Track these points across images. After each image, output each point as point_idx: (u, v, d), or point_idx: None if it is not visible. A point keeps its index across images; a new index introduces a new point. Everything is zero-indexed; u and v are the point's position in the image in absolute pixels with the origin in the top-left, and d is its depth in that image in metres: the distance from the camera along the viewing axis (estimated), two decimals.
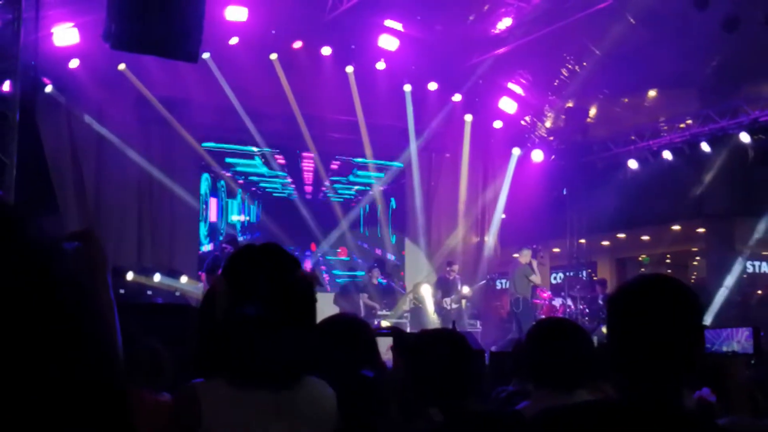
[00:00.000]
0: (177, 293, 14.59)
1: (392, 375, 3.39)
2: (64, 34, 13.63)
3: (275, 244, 2.47)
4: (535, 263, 15.71)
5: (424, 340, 3.23)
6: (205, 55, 14.25)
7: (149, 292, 14.42)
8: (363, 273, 16.71)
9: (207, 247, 16.30)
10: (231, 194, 16.96)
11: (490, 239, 18.14)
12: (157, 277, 14.56)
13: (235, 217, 16.98)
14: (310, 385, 2.37)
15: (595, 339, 14.29)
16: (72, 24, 13.61)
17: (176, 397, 2.37)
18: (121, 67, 14.31)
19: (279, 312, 2.27)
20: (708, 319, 14.47)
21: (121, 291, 13.72)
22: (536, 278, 15.70)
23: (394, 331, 3.64)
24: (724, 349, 4.47)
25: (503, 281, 19.87)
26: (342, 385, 2.47)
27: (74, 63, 14.05)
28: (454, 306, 16.04)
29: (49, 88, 13.88)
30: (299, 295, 2.34)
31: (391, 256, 18.05)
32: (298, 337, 2.30)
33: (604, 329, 14.71)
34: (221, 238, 14.03)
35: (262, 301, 2.27)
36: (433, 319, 15.86)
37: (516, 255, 15.96)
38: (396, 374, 3.43)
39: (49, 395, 0.94)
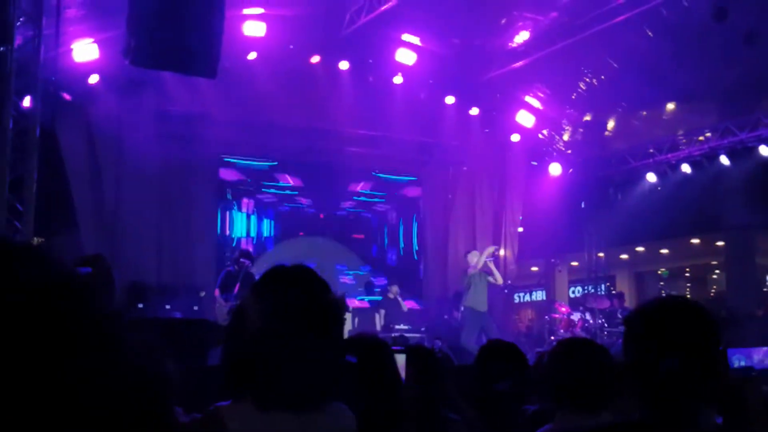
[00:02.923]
0: (196, 308, 14.61)
1: (407, 390, 3.38)
2: (84, 50, 13.72)
3: (305, 266, 2.47)
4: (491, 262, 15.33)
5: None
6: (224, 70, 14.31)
7: (168, 307, 14.45)
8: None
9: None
10: (242, 208, 17.00)
11: (508, 252, 18.10)
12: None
13: (243, 235, 16.99)
14: (334, 407, 2.37)
15: (613, 353, 14.26)
16: (92, 40, 13.71)
17: (202, 420, 2.37)
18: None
19: (308, 335, 2.27)
20: (728, 335, 14.36)
21: (140, 306, 13.77)
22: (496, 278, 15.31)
23: (408, 348, 3.64)
24: (736, 365, 4.42)
25: (521, 294, 19.84)
26: (360, 406, 2.47)
27: (94, 78, 14.14)
28: None
29: (68, 104, 13.96)
30: (328, 318, 2.33)
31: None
32: (325, 360, 2.29)
33: None
34: (234, 254, 14.01)
35: (292, 323, 2.26)
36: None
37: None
38: (410, 389, 3.43)
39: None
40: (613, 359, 3.44)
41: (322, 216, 17.32)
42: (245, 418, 2.25)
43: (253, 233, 17.15)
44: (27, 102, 11.26)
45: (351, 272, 17.77)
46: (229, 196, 16.85)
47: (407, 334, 14.48)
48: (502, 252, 17.97)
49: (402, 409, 2.96)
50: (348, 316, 15.30)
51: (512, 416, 3.56)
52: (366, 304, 16.76)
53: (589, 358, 3.22)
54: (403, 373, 3.45)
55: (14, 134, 10.84)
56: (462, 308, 14.99)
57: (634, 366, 2.11)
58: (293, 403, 2.25)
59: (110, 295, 2.04)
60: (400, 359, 3.33)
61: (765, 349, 4.71)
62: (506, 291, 18.33)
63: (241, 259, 13.56)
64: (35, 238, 11.38)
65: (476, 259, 14.93)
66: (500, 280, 15.57)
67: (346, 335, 2.49)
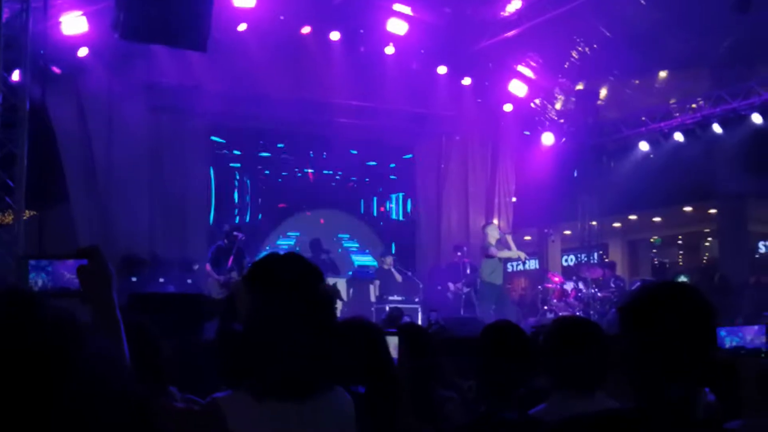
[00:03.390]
0: (189, 281, 14.62)
1: (400, 370, 3.39)
2: (73, 23, 13.59)
3: (298, 255, 2.47)
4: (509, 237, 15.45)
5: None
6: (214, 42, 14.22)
7: (161, 280, 14.45)
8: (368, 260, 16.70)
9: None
10: (233, 178, 16.99)
11: (502, 223, 18.10)
12: None
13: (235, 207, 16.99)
14: (331, 394, 2.37)
15: (605, 322, 14.33)
16: (81, 12, 13.57)
17: (202, 411, 2.37)
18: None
19: (299, 324, 2.27)
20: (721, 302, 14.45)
21: (133, 279, 13.77)
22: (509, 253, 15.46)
23: (400, 328, 3.64)
24: (728, 344, 4.42)
25: (514, 264, 19.87)
26: (357, 390, 2.47)
27: (83, 51, 14.01)
28: (465, 290, 16.03)
29: (57, 77, 13.87)
30: (320, 307, 2.33)
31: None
32: (319, 348, 2.29)
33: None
34: (225, 228, 13.96)
35: (283, 313, 2.26)
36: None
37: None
38: (403, 369, 3.43)
39: None
40: (606, 334, 3.45)
41: (313, 183, 17.26)
42: (243, 408, 2.25)
43: (244, 205, 17.13)
44: (16, 76, 11.19)
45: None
46: (218, 168, 16.79)
47: (401, 305, 14.51)
48: (496, 221, 17.99)
49: (397, 391, 2.97)
50: (343, 285, 15.35)
51: (510, 393, 3.58)
52: None
53: (585, 338, 3.23)
54: (395, 353, 3.46)
55: (4, 109, 10.79)
56: (479, 281, 15.12)
57: (630, 350, 2.11)
58: (288, 391, 2.26)
59: (108, 289, 2.02)
60: (393, 339, 3.34)
61: (756, 327, 4.71)
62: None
63: (234, 233, 13.54)
64: (27, 212, 11.36)
65: (496, 234, 15.08)
66: (522, 255, 15.74)
67: (340, 306, 2.50)
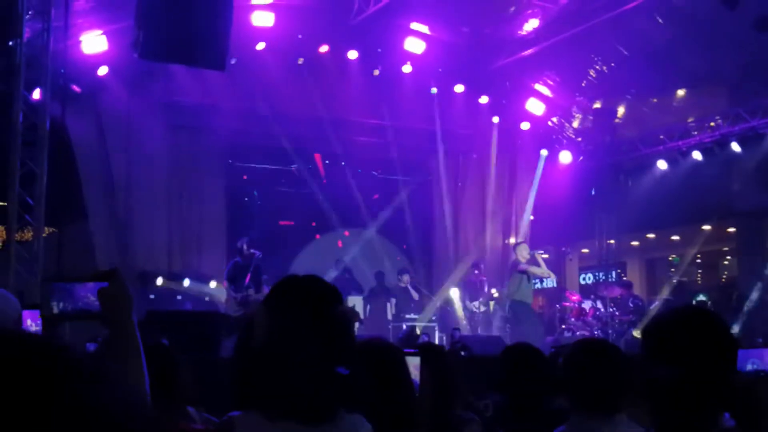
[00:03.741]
0: (206, 298, 14.67)
1: (422, 392, 3.37)
2: (93, 42, 13.73)
3: (317, 277, 2.47)
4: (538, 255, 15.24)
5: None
6: (233, 61, 14.28)
7: (179, 297, 14.51)
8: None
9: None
10: (250, 196, 17.01)
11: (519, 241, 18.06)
12: (186, 282, 14.65)
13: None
14: (347, 420, 2.36)
15: (624, 342, 14.23)
16: (101, 31, 13.71)
17: (215, 430, 2.37)
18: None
19: (318, 346, 2.27)
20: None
21: (151, 296, 13.84)
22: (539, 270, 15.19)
23: (422, 348, 3.62)
24: (749, 367, 4.38)
25: (532, 282, 19.77)
26: (374, 414, 2.46)
27: (103, 70, 14.14)
28: (482, 309, 15.99)
29: (77, 96, 13.98)
30: (339, 330, 2.33)
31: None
32: (335, 372, 2.29)
33: (635, 333, 14.62)
34: (242, 245, 13.95)
35: (302, 334, 2.26)
36: (462, 323, 15.83)
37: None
38: (425, 391, 3.41)
39: None
40: (627, 356, 3.43)
41: (330, 200, 17.20)
42: (257, 428, 2.25)
43: (261, 223, 17.14)
44: (37, 94, 11.28)
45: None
46: (235, 186, 16.83)
47: (419, 324, 14.50)
48: (511, 240, 17.94)
49: (417, 415, 2.95)
50: (360, 303, 15.32)
51: (530, 414, 3.56)
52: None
53: (605, 361, 3.21)
54: (416, 373, 3.45)
55: (24, 128, 10.87)
56: (509, 302, 14.92)
57: (648, 377, 2.10)
58: (302, 414, 2.25)
59: (128, 311, 2.03)
60: (412, 359, 3.32)
61: None
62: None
63: (250, 250, 13.55)
64: (46, 229, 11.43)
65: (526, 254, 14.86)
66: (551, 274, 15.59)
67: (358, 327, 2.49)
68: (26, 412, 0.85)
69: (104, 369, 0.95)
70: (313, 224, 17.48)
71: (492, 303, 16.41)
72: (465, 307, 16.13)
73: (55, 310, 2.20)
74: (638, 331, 14.29)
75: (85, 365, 0.93)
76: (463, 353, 9.77)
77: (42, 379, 0.88)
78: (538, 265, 14.90)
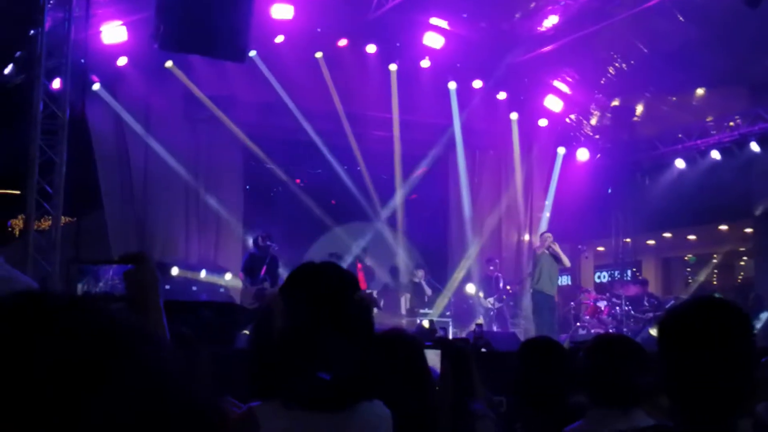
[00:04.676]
0: (222, 290, 14.71)
1: (442, 383, 3.38)
2: (113, 32, 13.79)
3: (334, 264, 2.46)
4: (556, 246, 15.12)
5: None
6: (252, 53, 14.30)
7: (194, 288, 14.55)
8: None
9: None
10: (267, 188, 17.03)
11: (536, 238, 18.02)
12: (203, 274, 14.70)
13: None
14: (367, 407, 2.36)
15: (640, 340, 14.19)
16: (121, 22, 13.77)
17: (237, 419, 2.38)
18: (168, 64, 14.44)
19: (336, 334, 2.26)
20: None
21: (167, 287, 13.88)
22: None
23: (443, 344, 3.63)
24: None
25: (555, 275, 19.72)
26: (393, 403, 2.46)
27: (122, 61, 14.20)
28: (497, 305, 15.97)
29: (97, 86, 14.05)
30: (355, 318, 2.32)
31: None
32: (354, 359, 2.29)
33: (651, 331, 14.56)
34: (258, 237, 13.94)
35: (319, 324, 2.26)
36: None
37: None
38: (445, 385, 3.42)
39: None
40: (645, 350, 3.42)
41: (348, 194, 17.21)
42: (275, 417, 2.25)
43: (278, 215, 17.16)
44: (57, 84, 11.34)
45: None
46: (252, 178, 16.85)
47: (433, 319, 14.48)
48: (526, 237, 17.92)
49: (437, 405, 2.96)
50: (375, 296, 15.31)
51: (550, 408, 3.56)
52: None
53: (625, 356, 3.20)
54: (437, 366, 3.46)
55: (44, 117, 10.93)
56: (531, 291, 14.89)
57: (670, 369, 2.09)
58: (321, 402, 2.25)
59: (155, 294, 2.04)
60: (429, 353, 3.33)
61: None
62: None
63: (267, 242, 13.56)
64: (64, 218, 11.48)
65: (550, 243, 14.78)
66: (567, 263, 15.45)
67: (377, 314, 2.48)
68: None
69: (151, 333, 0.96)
70: (330, 217, 17.43)
71: (504, 298, 16.33)
72: (480, 303, 16.11)
73: (80, 292, 2.21)
74: (655, 329, 14.23)
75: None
76: (483, 349, 9.76)
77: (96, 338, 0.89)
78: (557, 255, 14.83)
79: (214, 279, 14.85)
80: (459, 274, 17.40)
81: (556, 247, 14.93)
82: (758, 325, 14.08)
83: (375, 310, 2.45)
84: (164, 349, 0.95)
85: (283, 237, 14.69)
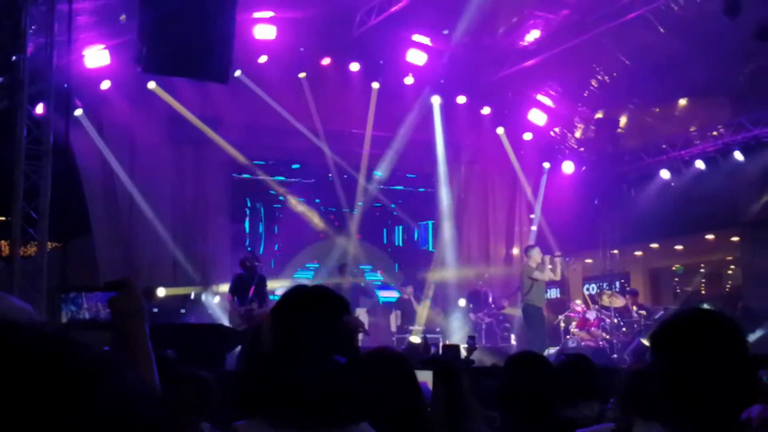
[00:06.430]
0: (210, 311, 14.64)
1: (434, 407, 3.35)
2: (96, 56, 13.77)
3: (325, 287, 2.46)
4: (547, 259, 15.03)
5: None
6: (236, 74, 14.31)
7: (182, 311, 14.48)
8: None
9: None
10: (253, 208, 17.01)
11: (536, 253, 17.98)
12: (192, 295, 14.66)
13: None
14: (353, 427, 2.35)
15: (630, 351, 14.19)
16: (103, 46, 13.76)
17: None
18: (151, 85, 14.43)
19: (324, 356, 2.26)
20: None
21: (155, 310, 13.79)
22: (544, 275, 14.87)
23: (435, 363, 3.61)
24: (765, 379, 4.34)
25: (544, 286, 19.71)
26: (382, 425, 2.45)
27: (105, 84, 14.18)
28: (487, 320, 15.94)
29: (79, 111, 14.00)
30: (343, 340, 2.32)
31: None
32: (341, 381, 2.28)
33: (643, 341, 14.55)
34: (244, 257, 13.90)
35: (308, 344, 2.25)
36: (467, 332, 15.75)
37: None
38: (437, 403, 3.40)
39: None
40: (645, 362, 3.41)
41: (332, 218, 17.26)
42: None
43: (264, 235, 17.14)
44: (40, 109, 11.31)
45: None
46: (238, 198, 16.83)
47: (419, 335, 14.43)
48: (515, 251, 17.92)
49: (429, 427, 2.94)
50: (364, 315, 15.25)
51: (539, 421, 3.54)
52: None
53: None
54: (429, 385, 3.43)
55: (28, 142, 10.89)
56: (522, 305, 14.78)
57: (665, 379, 2.09)
58: (306, 424, 2.24)
59: (140, 321, 2.01)
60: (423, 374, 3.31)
61: None
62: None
63: (254, 263, 13.50)
64: (49, 243, 11.41)
65: (538, 257, 14.58)
66: (556, 277, 15.28)
67: (362, 337, 2.48)
68: (46, 405, 0.84)
69: (115, 362, 0.94)
70: (316, 234, 17.42)
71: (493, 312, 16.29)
72: (469, 319, 16.08)
73: (64, 320, 2.19)
74: (647, 340, 14.22)
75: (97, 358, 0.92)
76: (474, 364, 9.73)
77: (58, 373, 0.87)
78: (550, 268, 14.62)
79: (203, 301, 14.78)
80: (451, 290, 17.36)
81: (557, 261, 14.81)
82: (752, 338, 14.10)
83: (361, 335, 2.44)
84: (128, 380, 0.93)
85: (270, 257, 14.66)
